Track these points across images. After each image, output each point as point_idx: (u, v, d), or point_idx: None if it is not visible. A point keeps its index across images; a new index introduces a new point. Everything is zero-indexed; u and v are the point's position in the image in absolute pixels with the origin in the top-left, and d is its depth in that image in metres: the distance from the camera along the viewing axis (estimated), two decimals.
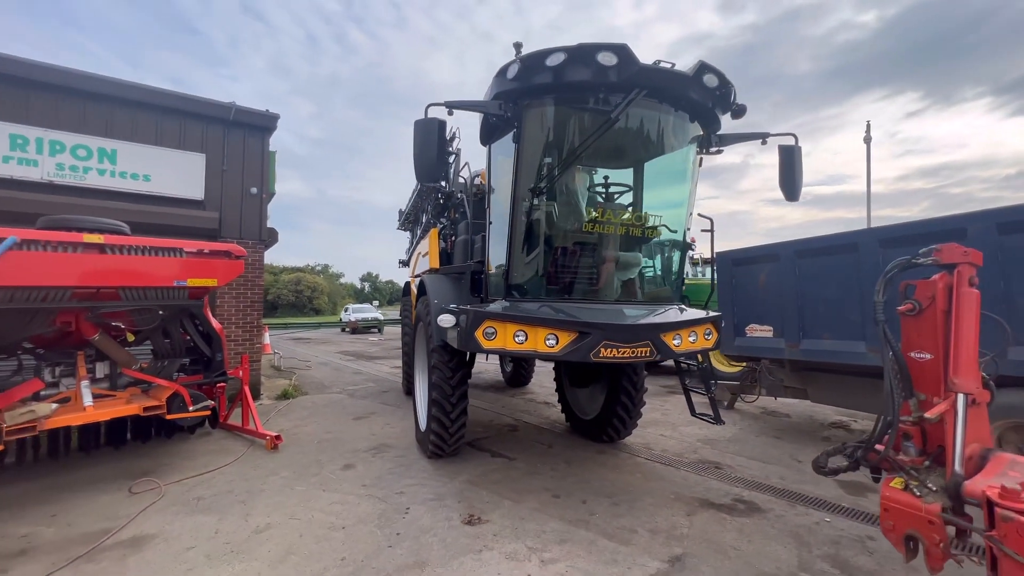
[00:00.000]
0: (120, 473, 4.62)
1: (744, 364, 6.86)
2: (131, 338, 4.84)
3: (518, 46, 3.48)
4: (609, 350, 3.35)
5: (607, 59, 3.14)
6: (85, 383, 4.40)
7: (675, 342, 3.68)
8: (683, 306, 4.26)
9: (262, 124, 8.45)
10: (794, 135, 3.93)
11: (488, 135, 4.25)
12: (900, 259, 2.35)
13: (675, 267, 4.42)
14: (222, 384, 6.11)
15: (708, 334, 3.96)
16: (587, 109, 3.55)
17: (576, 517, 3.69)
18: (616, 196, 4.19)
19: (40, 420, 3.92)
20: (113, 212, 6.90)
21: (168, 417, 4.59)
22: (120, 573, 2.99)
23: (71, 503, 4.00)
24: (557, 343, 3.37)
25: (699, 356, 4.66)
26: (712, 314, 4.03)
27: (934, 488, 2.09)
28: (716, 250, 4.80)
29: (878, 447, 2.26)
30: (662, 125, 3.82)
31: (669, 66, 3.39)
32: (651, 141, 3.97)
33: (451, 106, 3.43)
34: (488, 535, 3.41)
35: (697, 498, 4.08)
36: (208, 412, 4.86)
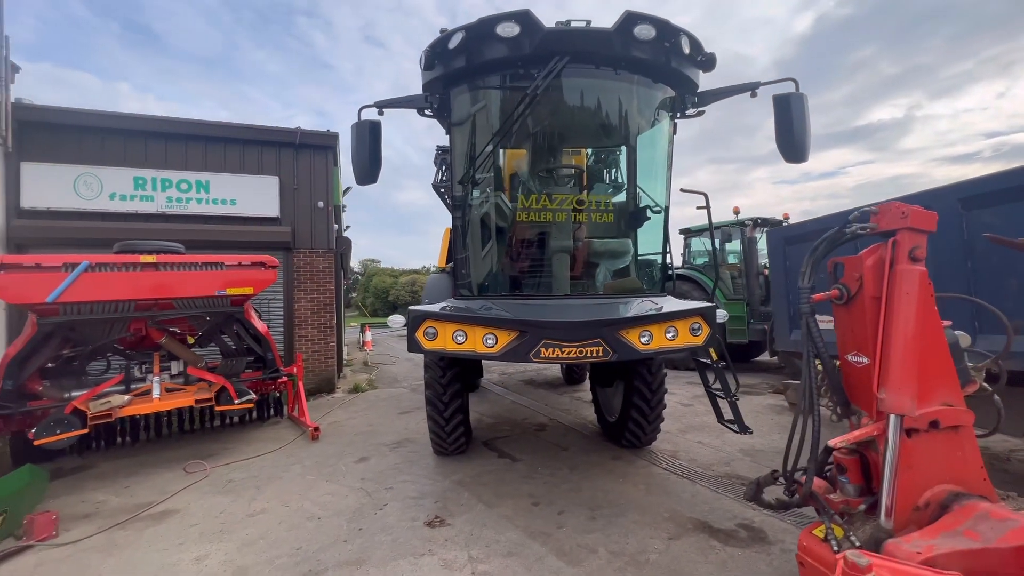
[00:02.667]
0: (192, 454, 5.48)
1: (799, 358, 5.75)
2: (191, 340, 5.71)
3: (443, 31, 3.30)
4: (551, 350, 3.05)
5: (508, 30, 2.84)
6: (156, 378, 5.30)
7: (643, 339, 3.21)
8: (664, 297, 3.69)
9: (324, 144, 9.31)
10: (794, 80, 3.15)
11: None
12: (832, 231, 1.75)
13: (651, 252, 3.86)
14: (284, 379, 6.94)
15: (696, 329, 3.38)
16: (510, 87, 3.26)
17: (540, 529, 3.44)
18: (568, 180, 3.78)
19: (115, 408, 4.81)
20: (208, 233, 8.22)
21: (217, 408, 5.31)
22: (136, 540, 3.54)
23: (143, 477, 4.85)
24: (496, 343, 3.16)
25: (712, 353, 4.03)
26: (698, 304, 3.43)
27: (858, 543, 1.53)
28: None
29: (800, 479, 1.73)
30: (611, 93, 3.34)
31: (583, 24, 2.94)
32: (604, 113, 3.50)
33: (381, 106, 3.41)
34: (440, 539, 3.34)
35: (694, 519, 3.53)
36: (251, 405, 5.51)
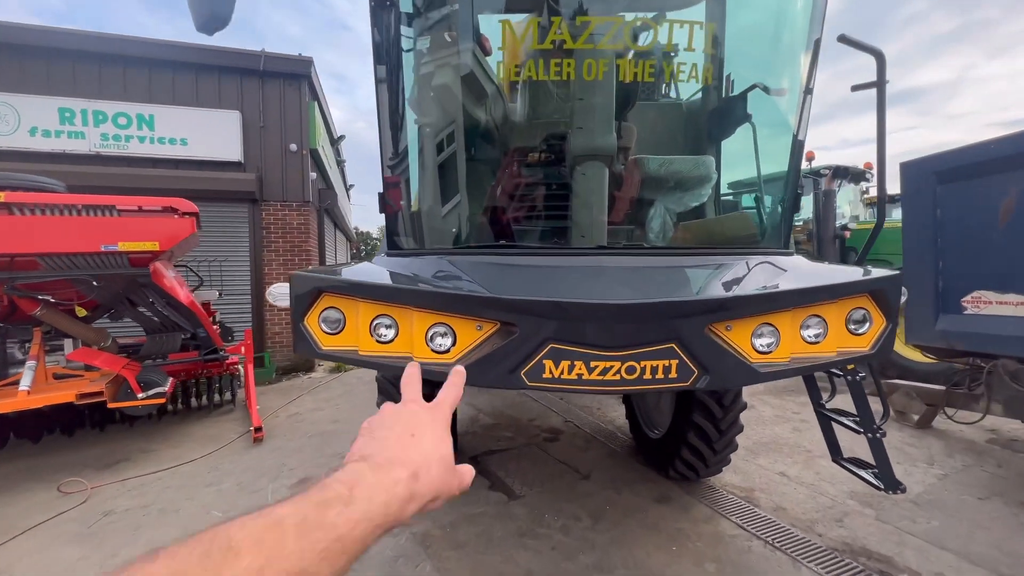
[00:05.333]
0: (92, 459, 4.17)
1: (953, 360, 3.99)
2: (82, 313, 4.29)
3: None
4: (565, 364, 1.43)
5: None
6: (30, 364, 3.91)
7: (760, 343, 1.56)
8: (790, 256, 1.98)
9: (296, 71, 7.62)
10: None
11: None
12: None
13: (771, 174, 2.13)
14: (233, 361, 5.55)
15: (859, 322, 1.69)
16: None
17: None
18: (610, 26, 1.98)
19: None
20: (153, 179, 6.74)
21: (111, 406, 3.92)
22: None
23: (8, 494, 3.55)
24: (453, 345, 1.55)
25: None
26: (876, 272, 1.72)
27: None
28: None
29: None
30: None
31: None
32: None
33: None
34: None
35: None
36: (161, 400, 4.09)
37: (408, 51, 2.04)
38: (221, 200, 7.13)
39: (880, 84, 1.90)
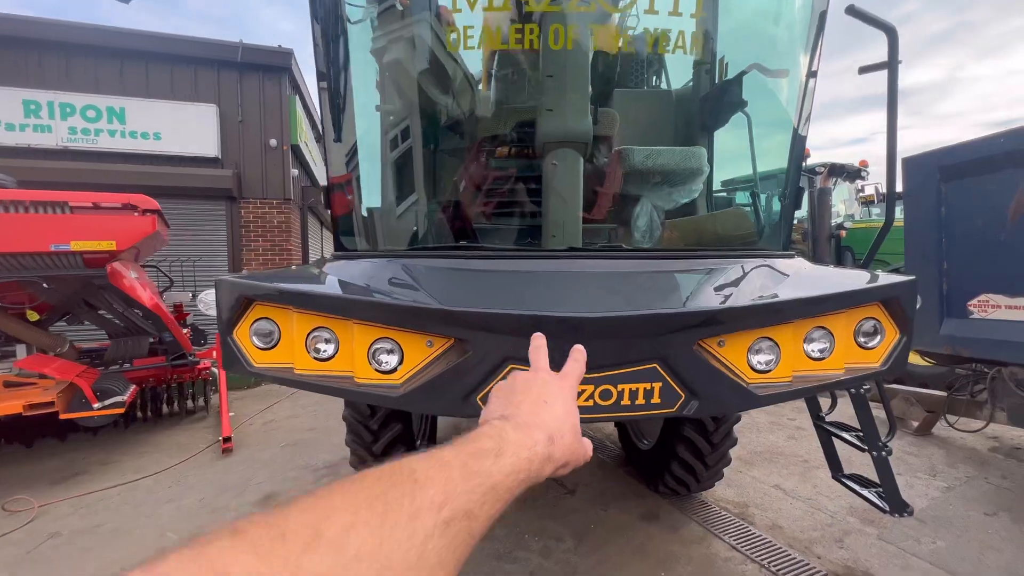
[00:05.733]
0: (50, 470, 3.91)
1: (954, 364, 3.81)
2: (34, 317, 4.03)
3: None
4: None
5: None
6: None
7: (757, 360, 1.34)
8: (791, 259, 1.76)
9: (277, 64, 7.35)
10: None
11: None
12: None
13: (769, 170, 1.92)
14: (206, 365, 5.29)
15: (869, 334, 1.48)
16: None
17: None
18: None
19: None
20: (124, 175, 6.45)
21: (62, 416, 3.66)
22: None
23: None
24: (399, 364, 1.33)
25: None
26: (888, 278, 1.51)
27: None
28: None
29: None
30: None
31: None
32: None
33: None
34: None
35: None
36: (119, 410, 3.84)
37: (356, 22, 1.81)
38: (197, 197, 6.86)
39: (892, 64, 1.69)
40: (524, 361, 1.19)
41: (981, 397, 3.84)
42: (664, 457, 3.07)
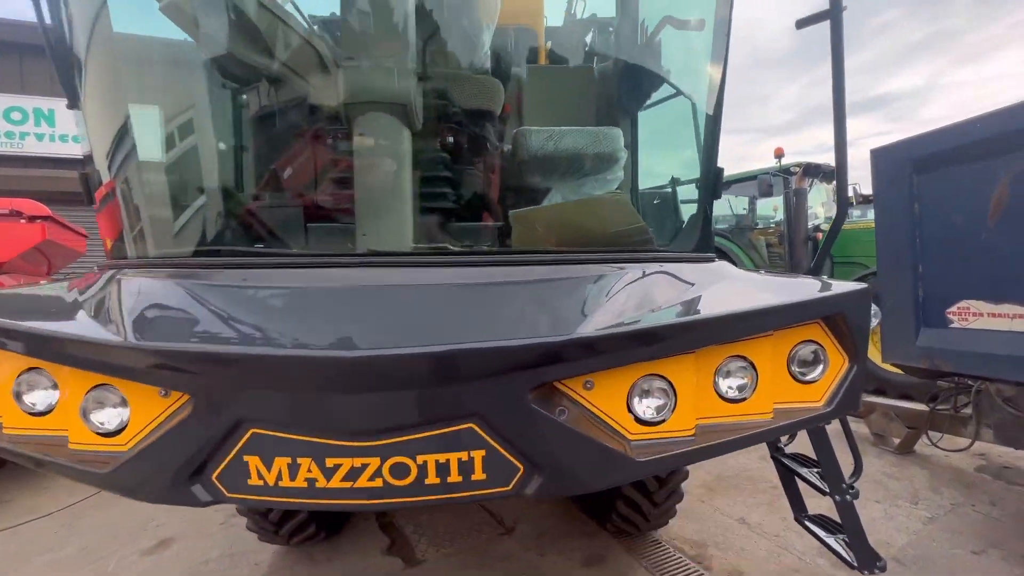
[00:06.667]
0: None
1: (933, 379, 3.46)
2: None
3: None
4: (283, 464, 0.81)
5: None
6: None
7: (645, 407, 0.96)
8: (710, 263, 1.37)
9: None
10: None
11: None
12: None
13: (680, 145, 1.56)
14: None
15: (812, 362, 1.09)
16: None
17: None
18: None
19: None
20: (55, 182, 5.98)
21: None
22: None
23: None
24: (128, 421, 0.92)
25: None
26: (834, 287, 1.12)
27: None
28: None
29: None
30: None
31: None
32: None
33: None
34: None
35: None
36: None
37: None
38: None
39: (835, 13, 1.33)
40: (271, 423, 0.78)
41: (966, 412, 3.50)
42: (608, 493, 2.67)
